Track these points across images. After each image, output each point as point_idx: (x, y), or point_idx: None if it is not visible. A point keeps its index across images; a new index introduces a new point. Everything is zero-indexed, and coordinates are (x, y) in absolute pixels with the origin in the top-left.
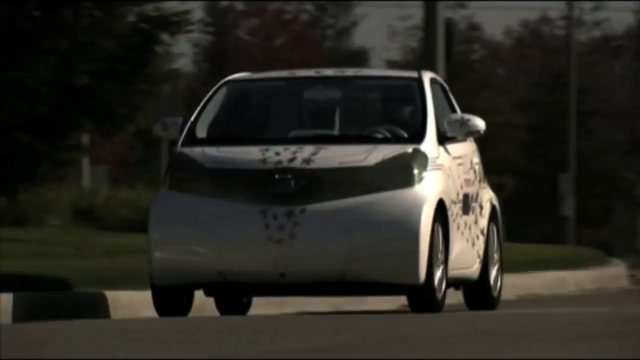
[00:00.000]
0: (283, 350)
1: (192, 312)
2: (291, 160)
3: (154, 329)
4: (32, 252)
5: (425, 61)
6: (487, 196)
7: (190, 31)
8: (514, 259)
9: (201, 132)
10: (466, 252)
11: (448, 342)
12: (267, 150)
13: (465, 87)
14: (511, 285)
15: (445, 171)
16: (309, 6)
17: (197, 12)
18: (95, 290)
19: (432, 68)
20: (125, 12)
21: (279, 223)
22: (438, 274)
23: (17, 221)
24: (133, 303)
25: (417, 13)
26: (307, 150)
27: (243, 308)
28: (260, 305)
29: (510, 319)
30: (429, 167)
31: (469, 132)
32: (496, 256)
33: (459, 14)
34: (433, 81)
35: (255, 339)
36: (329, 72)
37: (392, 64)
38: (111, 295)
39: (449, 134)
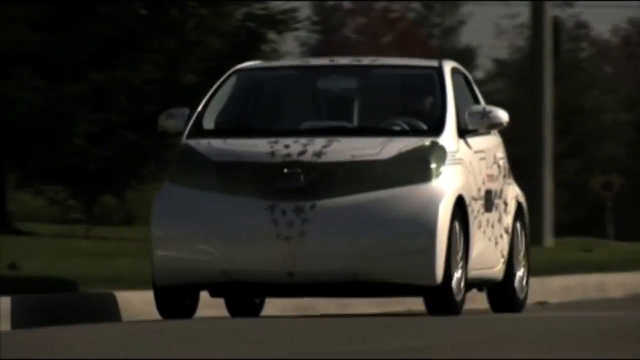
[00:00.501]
0: (375, 350)
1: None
2: (301, 153)
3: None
4: (141, 251)
5: (532, 60)
6: (513, 193)
7: (297, 29)
8: (621, 257)
9: (208, 124)
10: (488, 252)
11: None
12: (276, 142)
13: (573, 86)
14: (618, 284)
15: (466, 166)
16: (416, 5)
17: (304, 10)
18: None
19: (540, 67)
20: (232, 10)
21: (288, 219)
22: (456, 274)
23: (125, 220)
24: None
25: (524, 11)
26: (318, 142)
27: (255, 309)
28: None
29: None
30: (447, 161)
31: (490, 125)
32: (522, 256)
33: (566, 13)
34: (454, 71)
35: (346, 340)
36: (345, 60)
37: (499, 63)
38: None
39: (470, 127)
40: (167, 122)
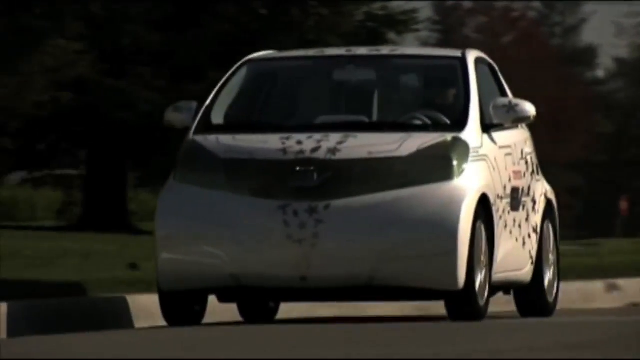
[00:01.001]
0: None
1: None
2: (315, 150)
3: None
4: None
5: None
6: (542, 190)
7: (417, 30)
8: None
9: (217, 118)
10: (516, 253)
11: None
12: (288, 138)
13: None
14: None
15: (490, 162)
16: (537, 4)
17: (425, 10)
18: None
19: None
20: (352, 10)
21: (300, 220)
22: (480, 278)
23: None
24: None
25: None
26: (333, 138)
27: (269, 313)
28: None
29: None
30: (470, 158)
31: (517, 119)
32: (552, 257)
33: None
34: (479, 60)
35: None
36: (362, 50)
37: (620, 62)
38: None
39: (495, 121)
40: (174, 116)
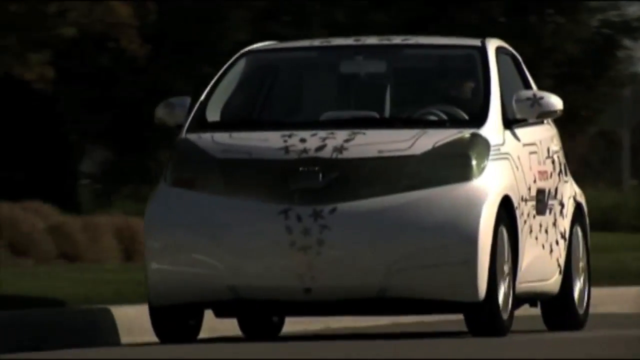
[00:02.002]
0: None
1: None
2: (319, 148)
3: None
4: None
5: None
6: (570, 192)
7: None
8: None
9: (213, 115)
10: (542, 261)
11: None
12: (290, 136)
13: None
14: None
15: (513, 161)
16: None
17: None
18: None
19: None
20: (588, 18)
21: (304, 226)
22: (503, 288)
23: None
24: None
25: None
26: (340, 136)
27: (273, 328)
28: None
29: None
30: (491, 156)
31: (542, 113)
32: (582, 265)
33: None
34: (501, 51)
35: None
36: (372, 40)
37: None
38: None
39: (518, 116)
40: (165, 113)
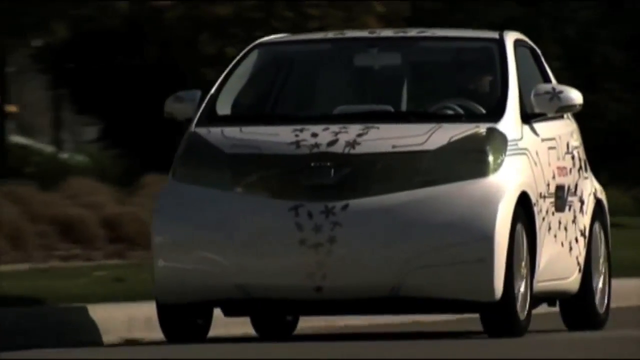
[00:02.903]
0: None
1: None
2: (332, 143)
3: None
4: None
5: None
6: (590, 188)
7: None
8: None
9: (223, 109)
10: (561, 259)
11: None
12: (302, 130)
13: None
14: None
15: (531, 157)
16: None
17: None
18: None
19: None
20: None
21: (315, 223)
22: (520, 287)
23: None
24: None
25: None
26: (352, 130)
27: (286, 327)
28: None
29: None
30: (508, 152)
31: (561, 108)
32: (602, 263)
33: None
34: (519, 43)
35: None
36: (387, 32)
37: None
38: None
39: (537, 110)
40: (175, 106)
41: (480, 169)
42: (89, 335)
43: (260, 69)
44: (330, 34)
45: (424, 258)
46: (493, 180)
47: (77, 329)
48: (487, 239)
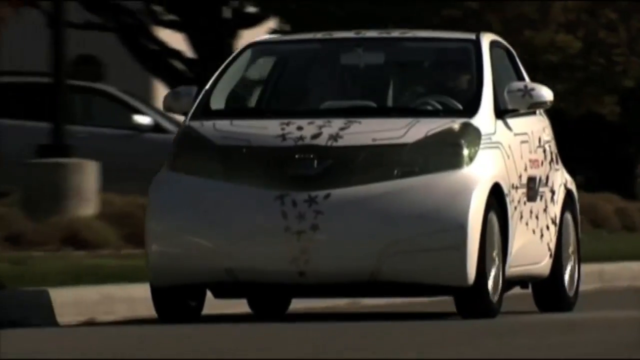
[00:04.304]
0: None
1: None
2: (315, 136)
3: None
4: None
5: None
6: (561, 180)
7: None
8: None
9: (217, 104)
10: (532, 245)
11: None
12: (288, 124)
13: None
14: None
15: (504, 150)
16: None
17: None
18: None
19: None
20: None
21: (299, 211)
22: (492, 272)
23: None
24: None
25: None
26: (335, 124)
27: (281, 305)
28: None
29: None
30: (482, 145)
31: (533, 104)
32: (572, 249)
33: None
34: (495, 44)
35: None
36: (372, 33)
37: None
38: None
39: (510, 106)
40: (173, 101)
41: (455, 162)
42: None
43: (253, 67)
44: (319, 35)
45: (401, 245)
46: (467, 172)
47: None
48: (461, 227)
